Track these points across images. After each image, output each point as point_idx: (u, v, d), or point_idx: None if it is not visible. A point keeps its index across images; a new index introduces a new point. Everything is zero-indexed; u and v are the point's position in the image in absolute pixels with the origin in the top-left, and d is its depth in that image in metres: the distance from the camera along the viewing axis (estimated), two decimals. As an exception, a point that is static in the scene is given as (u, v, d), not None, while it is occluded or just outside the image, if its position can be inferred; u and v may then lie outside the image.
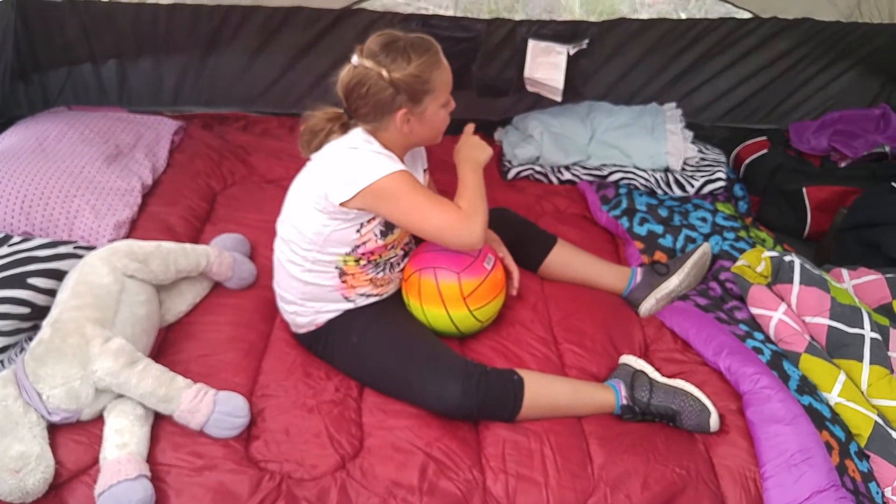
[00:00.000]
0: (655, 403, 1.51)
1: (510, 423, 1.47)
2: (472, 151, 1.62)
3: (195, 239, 1.96)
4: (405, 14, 2.35)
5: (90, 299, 1.43)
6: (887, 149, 2.37)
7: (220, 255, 1.73)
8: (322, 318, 1.57)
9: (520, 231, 1.87)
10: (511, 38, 2.22)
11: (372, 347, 1.53)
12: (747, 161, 2.57)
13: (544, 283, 1.89)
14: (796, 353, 1.61)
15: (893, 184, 2.19)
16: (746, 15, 2.47)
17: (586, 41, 2.10)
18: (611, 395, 1.54)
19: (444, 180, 2.24)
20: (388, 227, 1.51)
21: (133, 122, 2.27)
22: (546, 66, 2.14)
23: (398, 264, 1.62)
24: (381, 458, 1.40)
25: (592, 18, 2.40)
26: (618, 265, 1.96)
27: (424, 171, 1.71)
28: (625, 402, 1.52)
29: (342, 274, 1.52)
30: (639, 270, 1.88)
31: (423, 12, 2.34)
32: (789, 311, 1.69)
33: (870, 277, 1.88)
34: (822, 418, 1.47)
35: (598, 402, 1.54)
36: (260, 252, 1.88)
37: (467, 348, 1.67)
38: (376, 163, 1.41)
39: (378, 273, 1.58)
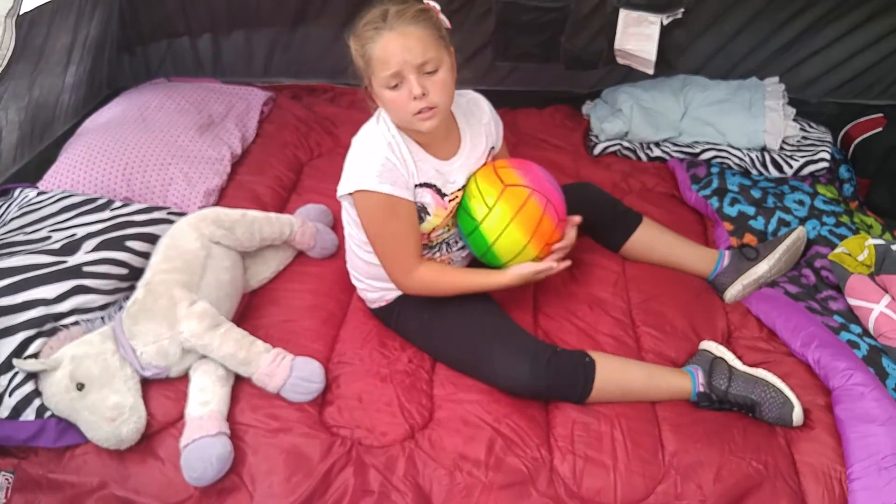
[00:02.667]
0: (734, 392, 1.44)
1: (580, 405, 1.45)
2: (522, 276, 1.49)
3: (281, 208, 2.03)
4: None
5: (179, 263, 1.51)
6: None
7: (304, 224, 1.78)
8: (391, 295, 1.58)
9: (602, 208, 1.80)
10: (601, 7, 2.13)
11: (443, 323, 1.53)
12: (857, 140, 2.38)
13: (626, 263, 1.84)
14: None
15: None
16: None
17: (682, 10, 1.98)
18: (687, 381, 1.49)
19: (525, 155, 2.22)
20: (420, 215, 1.47)
21: (225, 93, 2.36)
22: (638, 36, 2.04)
23: (455, 243, 1.60)
24: (449, 430, 1.41)
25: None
26: (705, 247, 1.86)
27: (491, 149, 1.60)
28: (701, 388, 1.47)
29: None
30: (727, 254, 1.79)
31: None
32: (893, 303, 1.57)
33: None
34: (921, 421, 1.36)
35: (674, 388, 1.49)
36: (342, 223, 1.91)
37: (540, 327, 1.65)
38: (357, 171, 1.40)
39: (434, 253, 1.57)
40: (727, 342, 1.66)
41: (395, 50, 1.30)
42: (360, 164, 1.41)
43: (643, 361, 1.57)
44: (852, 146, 2.40)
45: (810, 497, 1.32)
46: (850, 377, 1.40)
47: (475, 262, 1.64)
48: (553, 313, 1.68)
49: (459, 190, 1.53)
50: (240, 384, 1.46)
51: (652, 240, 1.81)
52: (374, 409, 1.44)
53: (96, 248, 1.58)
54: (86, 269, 1.54)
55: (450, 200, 1.51)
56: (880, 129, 2.34)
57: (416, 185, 1.45)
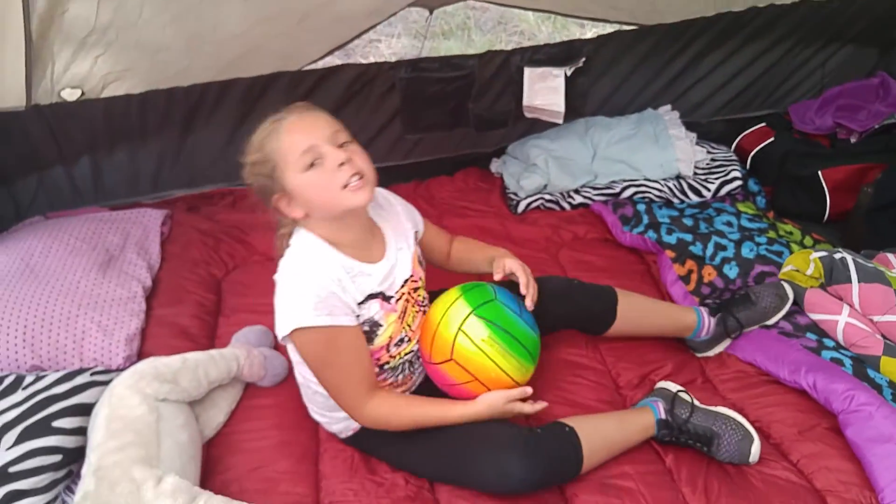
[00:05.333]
0: (695, 422, 1.43)
1: (600, 485, 1.38)
2: (496, 407, 1.35)
3: (211, 336, 1.83)
4: (392, 63, 2.26)
5: (129, 437, 1.30)
6: (892, 120, 2.34)
7: (250, 354, 1.61)
8: (356, 424, 1.43)
9: (574, 293, 1.62)
10: (505, 68, 2.15)
11: (416, 441, 1.39)
12: (754, 152, 2.51)
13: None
14: (874, 356, 1.54)
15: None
16: (742, 7, 2.42)
17: (582, 59, 2.03)
18: (650, 416, 1.47)
19: (452, 226, 2.16)
20: (371, 330, 1.34)
21: (117, 221, 2.12)
22: (545, 91, 2.07)
23: (418, 359, 1.47)
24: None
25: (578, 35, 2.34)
26: (682, 311, 1.72)
27: (416, 233, 1.52)
28: (663, 416, 1.45)
29: None
30: (705, 320, 1.69)
31: (411, 57, 2.25)
32: (854, 311, 1.62)
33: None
34: (928, 427, 1.39)
35: (642, 426, 1.46)
36: (289, 356, 1.74)
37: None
38: (290, 308, 1.27)
39: (398, 377, 1.45)
40: (707, 381, 1.66)
41: (302, 128, 1.24)
42: (292, 299, 1.27)
43: (607, 412, 1.54)
44: (749, 158, 2.53)
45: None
46: (853, 398, 1.42)
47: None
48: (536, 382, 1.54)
49: (403, 285, 1.41)
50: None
51: (632, 317, 1.65)
52: (389, 544, 1.30)
53: (18, 441, 1.34)
54: (12, 469, 1.29)
55: (397, 301, 1.39)
56: (771, 139, 2.49)
57: (359, 304, 1.32)
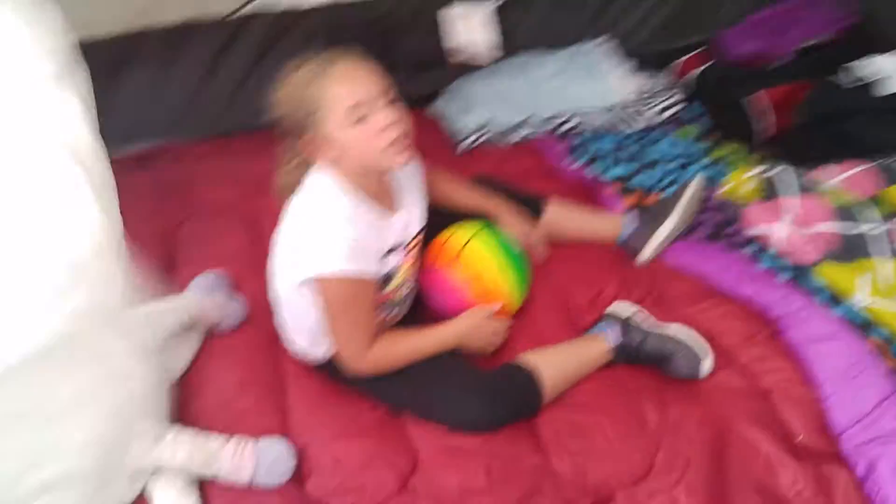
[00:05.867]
0: (648, 345, 1.49)
1: (558, 403, 1.43)
2: (473, 335, 1.45)
3: (167, 288, 1.76)
4: (304, 10, 2.20)
5: None
6: (818, 39, 2.41)
7: (204, 301, 1.60)
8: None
9: (507, 197, 1.76)
10: (426, 8, 2.11)
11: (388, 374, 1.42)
12: (694, 77, 2.54)
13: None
14: (811, 264, 1.62)
15: (830, 78, 2.22)
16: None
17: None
18: (605, 343, 1.51)
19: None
20: (385, 281, 1.38)
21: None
22: (469, 29, 2.03)
23: (408, 296, 1.52)
24: (441, 467, 1.33)
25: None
26: (610, 214, 1.90)
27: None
28: (617, 342, 1.51)
29: None
30: (631, 217, 1.83)
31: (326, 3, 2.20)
32: (791, 223, 1.69)
33: (857, 169, 1.88)
34: (861, 325, 1.48)
35: (598, 354, 1.51)
36: (242, 285, 1.74)
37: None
38: (320, 253, 1.27)
39: (392, 312, 1.48)
40: (656, 298, 1.71)
41: (355, 78, 1.21)
42: (325, 244, 1.27)
43: (564, 342, 1.56)
44: (689, 83, 2.53)
45: (794, 424, 1.40)
46: (791, 304, 1.50)
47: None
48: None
49: (418, 234, 1.45)
50: (207, 486, 1.29)
51: (560, 218, 1.81)
52: (357, 467, 1.33)
53: None
54: None
55: (409, 251, 1.43)
56: (705, 65, 2.53)
57: (383, 257, 1.35)
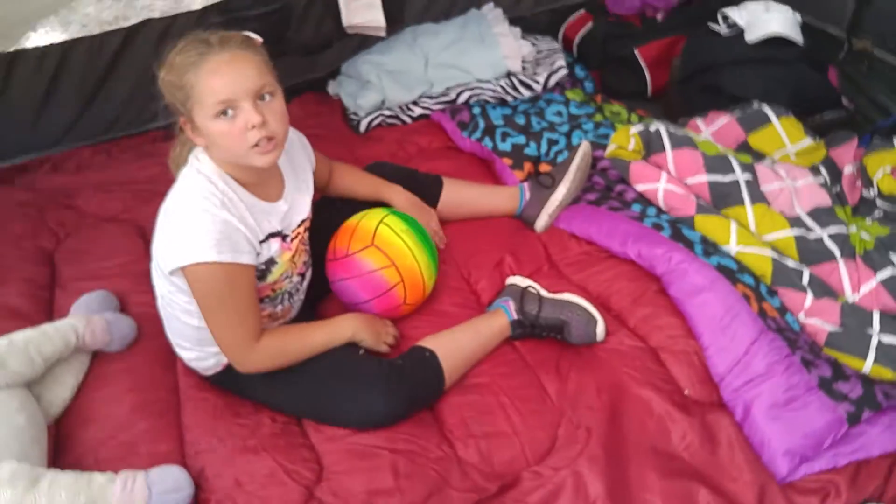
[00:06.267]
0: (544, 316, 1.51)
1: (458, 388, 1.44)
2: (366, 328, 1.45)
3: (48, 311, 1.70)
4: (199, 11, 2.11)
5: None
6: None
7: (90, 321, 1.51)
8: (226, 359, 1.41)
9: (403, 182, 1.75)
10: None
11: (283, 379, 1.39)
12: (577, 39, 2.58)
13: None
14: (689, 216, 1.67)
15: (710, 24, 2.28)
16: None
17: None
18: (504, 318, 1.53)
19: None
20: (266, 268, 1.34)
21: None
22: (362, 8, 2.01)
23: (297, 290, 1.49)
24: (347, 472, 1.31)
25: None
26: (505, 187, 1.92)
27: (312, 171, 1.52)
28: (515, 317, 1.52)
29: None
30: (526, 187, 1.84)
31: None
32: (670, 177, 1.74)
33: (723, 121, 1.96)
34: (732, 272, 1.53)
35: (498, 330, 1.52)
36: (131, 300, 1.67)
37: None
38: (189, 240, 1.22)
39: (277, 307, 1.44)
40: (552, 265, 1.74)
41: (226, 73, 1.15)
42: (192, 231, 1.22)
43: (464, 322, 1.56)
44: (574, 46, 2.60)
45: (681, 378, 1.45)
46: (671, 259, 1.54)
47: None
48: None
49: (299, 225, 1.41)
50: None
51: (457, 197, 1.82)
52: (259, 485, 1.30)
53: None
54: None
55: (292, 240, 1.39)
56: (591, 24, 2.56)
57: (260, 242, 1.30)
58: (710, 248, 1.60)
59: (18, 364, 1.37)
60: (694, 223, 1.66)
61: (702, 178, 1.70)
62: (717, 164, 1.70)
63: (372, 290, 1.50)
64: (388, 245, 1.50)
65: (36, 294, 1.74)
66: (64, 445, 1.39)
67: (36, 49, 2.04)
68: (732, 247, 1.60)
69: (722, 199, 1.69)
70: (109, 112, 2.28)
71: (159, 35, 2.14)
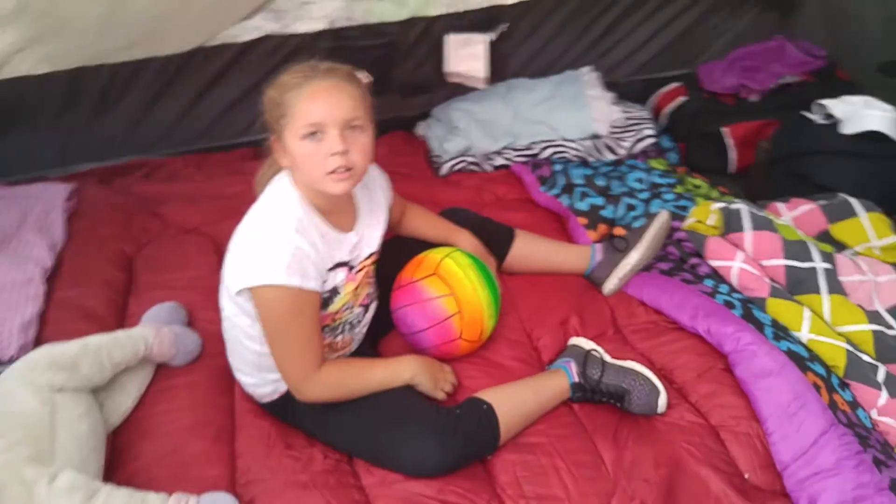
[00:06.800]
0: (606, 382, 1.49)
1: (513, 444, 1.43)
2: (425, 372, 1.46)
3: (120, 317, 1.73)
4: (314, 33, 2.24)
5: (18, 434, 1.21)
6: (790, 79, 2.50)
7: (159, 333, 1.53)
8: (283, 387, 1.42)
9: (477, 230, 1.78)
10: (427, 34, 2.16)
11: (338, 414, 1.40)
12: (668, 110, 2.62)
13: (506, 278, 1.85)
14: (762, 298, 1.65)
15: (804, 112, 2.27)
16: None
17: (506, 25, 2.06)
18: (564, 379, 1.52)
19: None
20: (329, 297, 1.37)
21: (14, 197, 1.99)
22: (466, 57, 2.09)
23: (359, 322, 1.52)
24: (395, 519, 1.30)
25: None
26: (576, 245, 1.93)
27: (389, 207, 1.57)
28: (576, 379, 1.51)
29: None
30: (598, 248, 1.85)
31: (333, 26, 2.24)
32: (746, 257, 1.72)
33: (806, 207, 1.93)
34: (803, 359, 1.50)
35: (558, 390, 1.51)
36: (199, 315, 1.70)
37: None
38: (261, 261, 1.25)
39: (336, 336, 1.47)
40: (617, 331, 1.74)
41: (322, 99, 1.22)
42: (264, 253, 1.26)
43: (524, 378, 1.55)
44: (665, 116, 2.64)
45: (742, 461, 1.41)
46: (740, 339, 1.51)
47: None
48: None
49: (368, 258, 1.46)
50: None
51: (528, 250, 1.84)
52: (307, 524, 1.29)
53: None
54: None
55: (357, 272, 1.44)
56: (684, 97, 2.60)
57: (328, 270, 1.35)
58: (781, 332, 1.57)
59: (89, 368, 1.38)
60: (766, 305, 1.64)
61: (779, 262, 1.68)
62: (795, 249, 1.68)
63: (430, 318, 1.51)
64: (451, 275, 1.52)
65: (112, 298, 1.78)
66: (121, 457, 1.40)
67: (159, 58, 2.18)
68: (804, 334, 1.57)
69: (797, 284, 1.66)
70: (204, 122, 2.41)
71: (269, 53, 2.26)
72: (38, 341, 1.59)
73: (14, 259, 1.77)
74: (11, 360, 1.48)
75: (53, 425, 1.26)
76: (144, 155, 2.39)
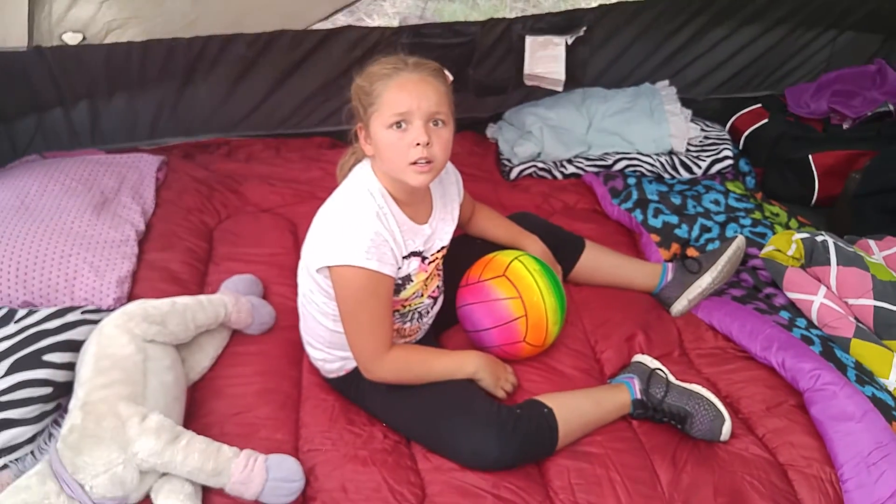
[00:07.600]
0: (669, 402, 1.47)
1: (569, 451, 1.42)
2: (488, 369, 1.48)
3: (200, 283, 1.86)
4: (395, 28, 2.26)
5: (117, 374, 1.33)
6: (891, 107, 2.35)
7: (238, 302, 1.64)
8: (350, 365, 1.48)
9: (545, 237, 1.77)
10: (506, 36, 2.15)
11: (401, 398, 1.44)
12: (747, 133, 2.53)
13: (573, 289, 1.84)
14: (845, 338, 1.58)
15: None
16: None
17: (584, 28, 2.04)
18: (626, 394, 1.50)
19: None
20: (402, 283, 1.41)
21: (113, 164, 2.13)
22: (546, 59, 2.09)
23: (427, 313, 1.55)
24: (448, 505, 1.32)
25: (583, 4, 2.34)
26: (647, 262, 1.90)
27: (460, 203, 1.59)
28: (639, 396, 1.49)
29: None
30: (670, 267, 1.82)
31: (414, 21, 2.25)
32: (830, 293, 1.66)
33: (897, 247, 1.84)
34: (888, 407, 1.44)
35: (618, 405, 1.50)
36: (273, 290, 1.79)
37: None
38: (343, 243, 1.31)
39: (405, 323, 1.51)
40: (683, 353, 1.70)
41: (411, 90, 1.26)
42: (347, 235, 1.31)
43: (586, 388, 1.55)
44: (743, 138, 2.55)
45: (807, 503, 1.36)
46: (819, 378, 1.46)
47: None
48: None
49: (439, 251, 1.48)
50: (210, 495, 1.31)
51: (597, 262, 1.82)
52: (363, 497, 1.33)
53: (9, 371, 1.38)
54: (2, 398, 1.33)
55: (429, 263, 1.46)
56: (765, 120, 2.51)
57: (403, 257, 1.38)
58: (865, 376, 1.51)
59: (176, 325, 1.49)
60: (850, 346, 1.57)
61: (867, 302, 1.61)
62: (888, 290, 1.61)
63: (495, 318, 1.52)
64: (519, 278, 1.53)
65: (193, 265, 1.90)
66: (195, 411, 1.49)
67: (247, 35, 2.22)
68: (892, 381, 1.51)
69: (886, 328, 1.59)
70: (284, 110, 2.45)
71: (351, 44, 2.28)
72: (131, 296, 1.73)
73: (113, 220, 1.91)
74: (109, 310, 1.61)
75: (146, 371, 1.38)
76: (226, 134, 2.45)
